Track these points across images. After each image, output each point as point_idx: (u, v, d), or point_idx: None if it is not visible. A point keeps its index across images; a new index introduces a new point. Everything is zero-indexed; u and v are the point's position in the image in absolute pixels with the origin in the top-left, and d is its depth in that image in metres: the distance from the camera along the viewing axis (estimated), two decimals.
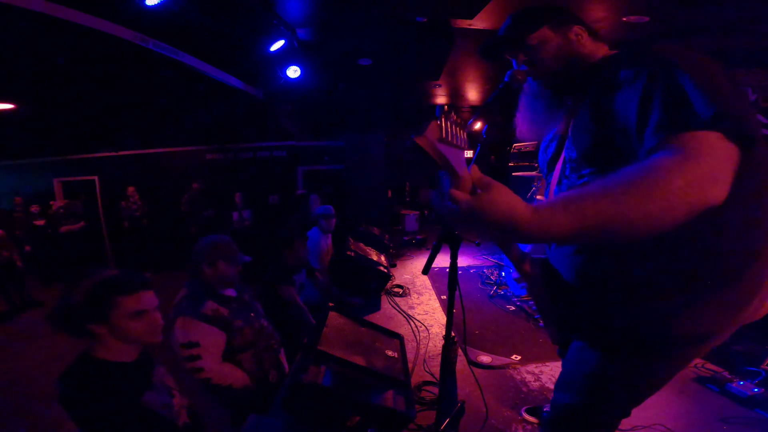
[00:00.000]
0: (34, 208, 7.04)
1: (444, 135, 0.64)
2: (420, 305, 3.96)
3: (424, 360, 2.77)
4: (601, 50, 1.06)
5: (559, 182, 1.11)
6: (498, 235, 0.67)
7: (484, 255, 5.72)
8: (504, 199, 0.65)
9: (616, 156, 0.87)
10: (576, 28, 1.05)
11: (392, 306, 3.90)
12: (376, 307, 3.90)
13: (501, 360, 2.72)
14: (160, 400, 1.26)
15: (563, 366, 1.22)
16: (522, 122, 1.20)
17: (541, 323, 3.37)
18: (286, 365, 2.01)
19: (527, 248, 1.29)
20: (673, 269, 0.88)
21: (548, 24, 1.05)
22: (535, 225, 0.64)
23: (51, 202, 7.45)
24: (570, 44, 1.05)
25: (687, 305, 0.88)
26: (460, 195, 0.66)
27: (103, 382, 1.16)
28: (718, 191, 0.67)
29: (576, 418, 1.11)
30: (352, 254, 3.87)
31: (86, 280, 1.21)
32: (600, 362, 1.04)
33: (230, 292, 1.91)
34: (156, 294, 1.33)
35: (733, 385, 2.19)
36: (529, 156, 5.42)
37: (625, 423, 1.14)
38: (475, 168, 0.69)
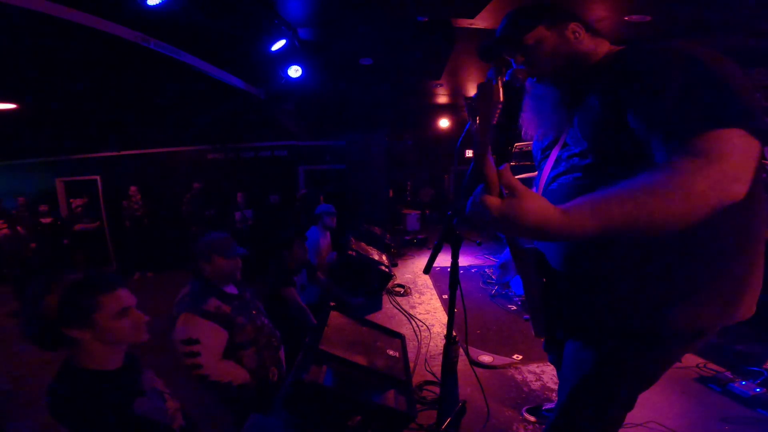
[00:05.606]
0: (43, 208, 7.07)
1: (502, 99, 0.67)
2: (421, 305, 3.95)
3: (426, 359, 2.77)
4: (603, 47, 1.04)
5: (557, 163, 1.10)
6: (528, 237, 0.72)
7: (486, 254, 5.71)
8: (535, 204, 0.69)
9: (624, 147, 0.87)
10: (572, 26, 1.03)
11: (393, 305, 3.89)
12: (378, 306, 3.89)
13: (502, 360, 2.72)
14: (153, 406, 1.22)
15: (563, 368, 1.21)
16: (528, 123, 1.19)
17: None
18: (284, 364, 2.02)
19: None
20: (667, 263, 0.88)
21: (543, 23, 1.04)
22: (565, 228, 0.68)
23: (71, 200, 7.50)
24: (567, 42, 1.03)
25: (682, 300, 0.88)
26: (492, 201, 0.70)
27: (90, 394, 1.09)
28: (739, 188, 0.69)
29: (584, 418, 1.10)
30: (354, 254, 3.87)
31: (55, 284, 1.09)
32: (597, 360, 1.04)
33: (232, 290, 1.92)
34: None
35: (735, 385, 2.18)
36: (531, 155, 5.40)
37: None
38: (507, 168, 0.71)
